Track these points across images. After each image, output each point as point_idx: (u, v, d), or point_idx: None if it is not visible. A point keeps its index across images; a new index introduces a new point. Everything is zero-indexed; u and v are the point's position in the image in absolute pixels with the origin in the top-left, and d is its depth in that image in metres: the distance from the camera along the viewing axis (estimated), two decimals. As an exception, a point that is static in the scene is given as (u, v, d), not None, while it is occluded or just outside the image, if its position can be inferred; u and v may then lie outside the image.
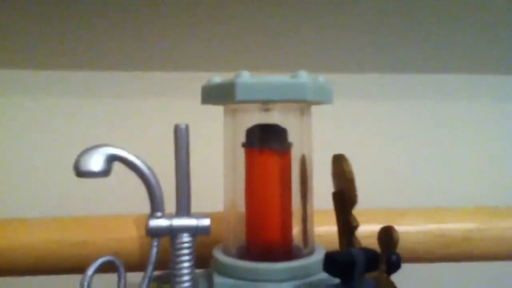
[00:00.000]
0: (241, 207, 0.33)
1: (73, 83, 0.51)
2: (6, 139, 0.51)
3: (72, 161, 0.28)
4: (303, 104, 0.33)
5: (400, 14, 0.53)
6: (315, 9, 0.52)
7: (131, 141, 0.50)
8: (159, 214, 0.30)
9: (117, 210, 0.44)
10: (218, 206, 0.35)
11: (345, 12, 0.52)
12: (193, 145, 0.31)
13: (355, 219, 0.32)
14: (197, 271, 0.31)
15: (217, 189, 0.35)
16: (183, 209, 0.30)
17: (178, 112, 0.51)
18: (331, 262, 0.26)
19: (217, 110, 0.35)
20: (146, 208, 0.31)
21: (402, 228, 0.40)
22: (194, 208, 0.31)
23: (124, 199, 0.47)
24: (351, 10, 0.52)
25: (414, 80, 0.55)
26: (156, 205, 0.30)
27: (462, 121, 0.56)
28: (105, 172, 0.28)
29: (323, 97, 0.31)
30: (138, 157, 0.29)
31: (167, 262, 0.31)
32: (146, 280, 0.30)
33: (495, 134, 0.56)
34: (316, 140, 0.35)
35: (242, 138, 0.33)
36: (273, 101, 0.30)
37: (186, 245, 0.29)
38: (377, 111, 0.55)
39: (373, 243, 0.32)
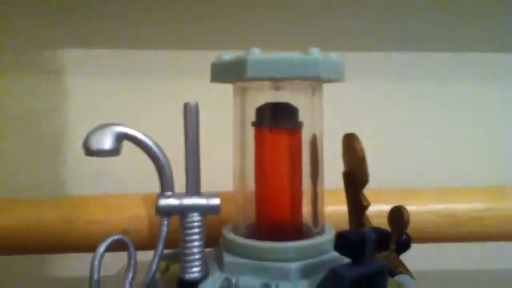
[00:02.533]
0: (251, 186, 0.33)
1: (80, 62, 0.51)
2: (16, 118, 0.50)
3: (79, 139, 0.28)
4: (314, 82, 0.32)
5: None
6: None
7: (139, 120, 0.50)
8: (169, 193, 0.29)
9: (126, 189, 0.43)
10: (228, 185, 0.35)
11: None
12: (202, 124, 0.31)
13: (365, 199, 0.32)
14: (207, 250, 0.32)
15: (226, 168, 0.35)
16: (193, 188, 0.30)
17: (187, 91, 0.51)
18: (343, 241, 0.26)
19: (227, 89, 0.34)
20: (155, 187, 0.31)
21: (410, 208, 0.39)
22: (203, 187, 0.31)
23: (133, 178, 0.47)
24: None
25: (423, 59, 0.54)
26: (166, 184, 0.30)
27: (471, 100, 0.55)
28: (115, 151, 0.27)
29: (336, 74, 0.30)
30: (148, 136, 0.29)
31: (176, 241, 0.31)
32: (156, 258, 0.30)
33: (504, 113, 0.56)
34: (326, 119, 0.35)
35: (251, 117, 0.33)
36: (285, 79, 0.30)
37: (196, 224, 0.29)
38: (387, 91, 0.54)
39: (382, 223, 0.32)
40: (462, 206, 0.42)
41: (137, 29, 0.51)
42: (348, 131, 0.34)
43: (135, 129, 0.29)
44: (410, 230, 0.33)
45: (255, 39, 0.52)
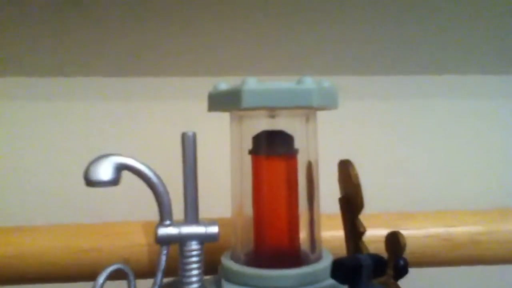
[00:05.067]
0: (249, 213, 0.33)
1: (80, 89, 0.52)
2: (13, 146, 0.51)
3: (80, 167, 0.28)
4: (308, 110, 0.33)
5: (404, 15, 0.53)
6: (319, 12, 0.52)
7: (138, 147, 0.51)
8: (167, 222, 0.30)
9: (125, 217, 0.44)
10: (226, 212, 0.36)
11: (348, 14, 0.52)
12: (200, 151, 0.31)
13: (361, 225, 0.32)
14: (206, 277, 0.32)
15: (224, 195, 0.35)
16: (191, 216, 0.30)
17: (185, 118, 0.52)
18: (339, 269, 0.26)
19: (224, 116, 0.35)
20: (154, 215, 0.31)
21: (409, 232, 0.40)
22: (201, 214, 0.31)
23: (132, 206, 0.47)
24: (354, 12, 0.52)
25: (418, 82, 0.55)
26: (164, 213, 0.30)
27: (469, 121, 0.56)
28: (115, 181, 0.28)
29: (329, 103, 0.31)
30: (146, 166, 0.30)
31: (175, 269, 0.31)
32: (156, 287, 0.30)
33: (503, 135, 0.56)
34: (321, 145, 0.35)
35: (248, 144, 0.33)
36: (279, 108, 0.31)
37: (194, 252, 0.30)
38: (381, 114, 0.55)
39: (380, 248, 0.32)
40: (461, 229, 0.41)
41: (135, 57, 0.52)
42: (344, 156, 0.35)
43: (134, 158, 0.29)
44: (408, 254, 0.33)
45: (250, 65, 0.53)
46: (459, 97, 0.56)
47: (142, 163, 0.30)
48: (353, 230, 0.32)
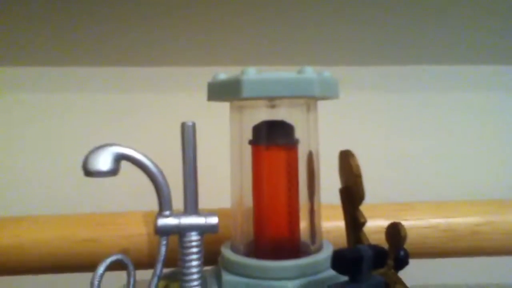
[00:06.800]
0: (249, 204, 0.33)
1: (78, 80, 0.51)
2: (14, 138, 0.51)
3: (80, 158, 0.28)
4: (309, 99, 0.32)
5: (403, 6, 0.52)
6: (318, 3, 0.51)
7: (138, 137, 0.51)
8: (167, 212, 0.30)
9: (125, 207, 0.44)
10: (225, 203, 0.35)
11: (348, 5, 0.52)
12: (199, 142, 0.31)
13: (362, 215, 0.32)
14: (206, 268, 0.32)
15: (224, 185, 0.35)
16: (191, 207, 0.30)
17: (184, 108, 0.51)
18: (339, 260, 0.26)
19: (223, 106, 0.35)
20: (154, 205, 0.31)
21: (409, 223, 0.40)
22: (201, 205, 0.31)
23: (132, 196, 0.47)
24: (354, 3, 0.52)
25: (418, 72, 0.55)
26: (164, 204, 0.30)
27: (469, 112, 0.56)
28: (113, 172, 0.28)
29: (330, 92, 0.30)
30: (146, 156, 0.29)
31: (175, 259, 0.31)
32: (155, 278, 0.30)
33: (502, 125, 0.56)
34: (322, 135, 0.35)
35: (248, 134, 0.33)
36: (280, 97, 0.30)
37: (194, 243, 0.29)
38: (382, 105, 0.55)
39: (381, 239, 0.32)
40: (461, 220, 0.41)
41: (135, 47, 0.51)
42: (345, 146, 0.34)
43: (133, 149, 0.29)
44: (408, 245, 0.33)
45: (249, 55, 0.52)
46: (459, 88, 0.56)
47: (141, 153, 0.29)
48: (354, 221, 0.32)
